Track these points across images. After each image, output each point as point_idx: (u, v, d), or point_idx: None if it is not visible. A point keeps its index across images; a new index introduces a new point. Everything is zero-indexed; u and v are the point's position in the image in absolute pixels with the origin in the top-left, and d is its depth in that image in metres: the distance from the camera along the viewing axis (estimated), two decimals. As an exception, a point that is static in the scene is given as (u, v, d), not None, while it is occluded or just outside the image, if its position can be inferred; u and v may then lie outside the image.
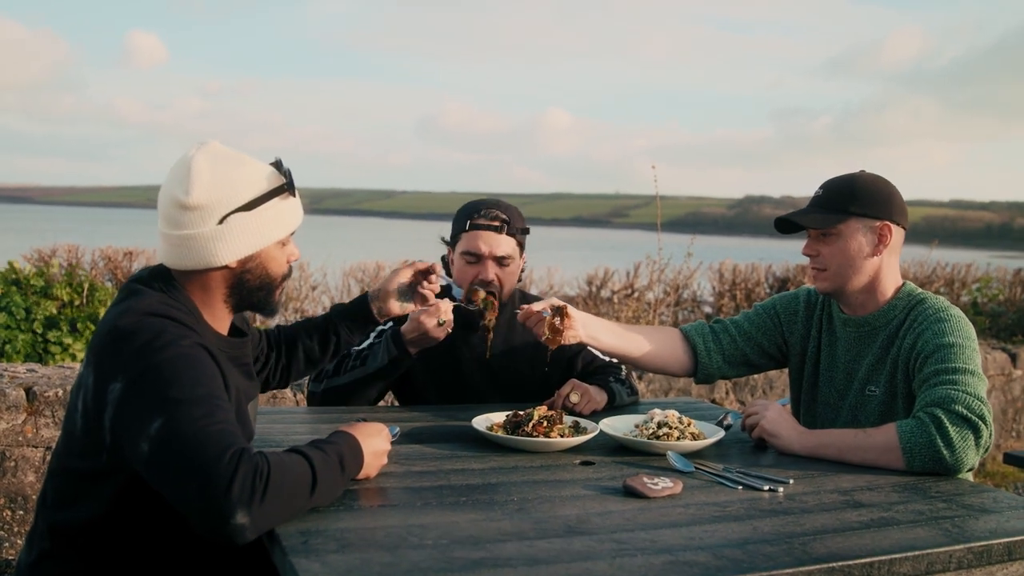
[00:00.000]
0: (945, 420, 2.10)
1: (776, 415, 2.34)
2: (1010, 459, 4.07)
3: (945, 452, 2.09)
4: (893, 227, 2.42)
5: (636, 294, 8.90)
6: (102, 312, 6.07)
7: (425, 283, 2.40)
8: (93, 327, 6.05)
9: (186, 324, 1.78)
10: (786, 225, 2.54)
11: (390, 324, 2.68)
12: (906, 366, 2.38)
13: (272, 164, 1.92)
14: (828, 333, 2.61)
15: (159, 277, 1.87)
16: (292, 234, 1.96)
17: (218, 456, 1.52)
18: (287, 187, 1.89)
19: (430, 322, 2.51)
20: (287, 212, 1.91)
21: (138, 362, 1.65)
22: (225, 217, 1.81)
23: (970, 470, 2.20)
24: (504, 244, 2.72)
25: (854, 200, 2.42)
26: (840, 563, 1.57)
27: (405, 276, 2.40)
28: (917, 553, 1.64)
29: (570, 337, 2.46)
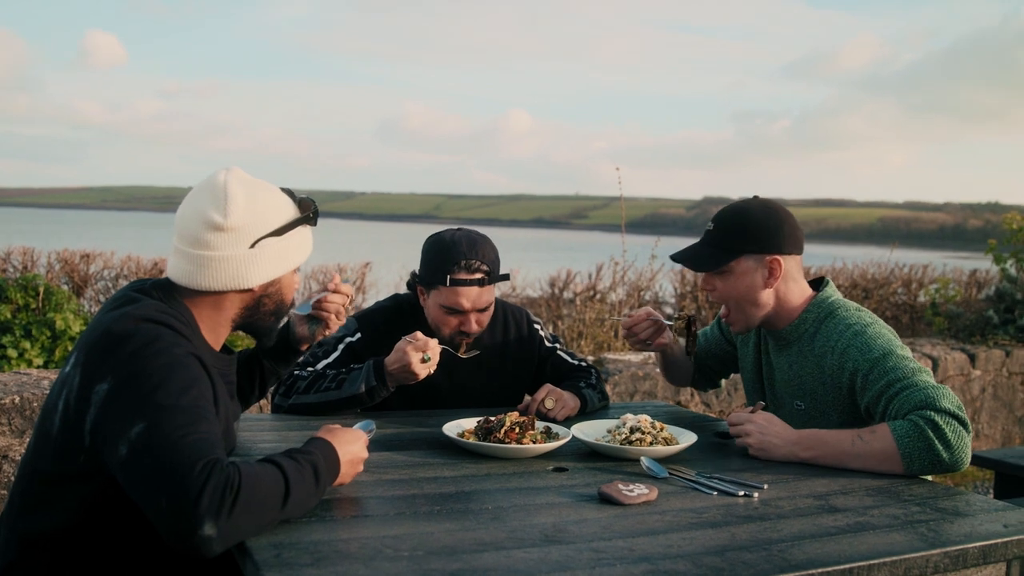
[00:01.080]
0: (939, 420, 2.12)
1: (762, 429, 2.29)
2: (974, 460, 4.11)
3: (944, 453, 2.11)
4: (783, 258, 2.44)
5: (599, 296, 8.92)
6: (58, 317, 5.94)
7: (322, 300, 2.25)
8: (49, 332, 5.91)
9: (182, 333, 1.77)
10: (677, 259, 2.56)
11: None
12: (837, 386, 2.37)
13: (287, 193, 1.97)
14: (765, 343, 2.64)
15: (160, 288, 1.88)
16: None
17: (190, 466, 1.51)
18: (312, 216, 1.97)
19: (414, 357, 2.41)
20: (307, 241, 1.99)
21: (129, 365, 1.64)
22: (257, 241, 1.86)
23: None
24: (486, 295, 2.66)
25: (743, 237, 2.44)
26: (819, 569, 1.56)
27: (312, 296, 2.32)
28: (895, 558, 1.64)
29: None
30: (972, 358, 6.50)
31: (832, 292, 2.51)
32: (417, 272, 2.75)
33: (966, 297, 9.10)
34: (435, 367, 2.46)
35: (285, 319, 2.02)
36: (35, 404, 3.67)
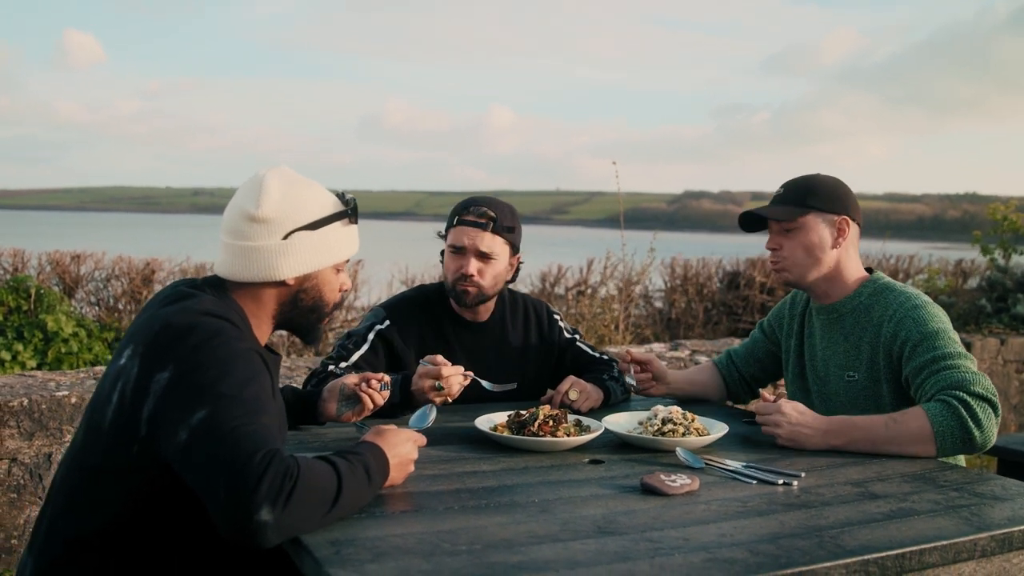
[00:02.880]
0: (971, 401, 2.18)
1: (791, 420, 2.27)
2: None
3: (976, 432, 2.16)
4: (850, 222, 2.53)
5: (590, 290, 8.93)
6: (49, 319, 5.90)
7: (364, 384, 2.28)
8: (41, 334, 5.87)
9: (240, 328, 1.79)
10: (748, 222, 2.64)
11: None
12: (889, 353, 2.44)
13: (336, 194, 1.98)
14: (808, 326, 2.71)
15: (211, 284, 1.90)
16: (347, 263, 2.00)
17: (251, 454, 1.52)
18: (350, 213, 1.96)
19: (427, 383, 2.39)
20: (347, 238, 1.97)
21: (192, 356, 1.66)
22: (290, 233, 1.87)
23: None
24: (487, 241, 2.73)
25: (814, 196, 2.52)
26: (872, 555, 1.57)
27: (351, 380, 2.32)
28: (945, 543, 1.65)
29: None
30: (968, 347, 6.56)
31: (884, 275, 2.58)
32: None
33: (955, 287, 9.16)
34: (454, 394, 2.41)
35: (326, 319, 2.01)
36: (43, 406, 3.63)
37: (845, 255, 2.54)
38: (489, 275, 2.75)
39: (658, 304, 10.08)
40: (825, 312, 2.61)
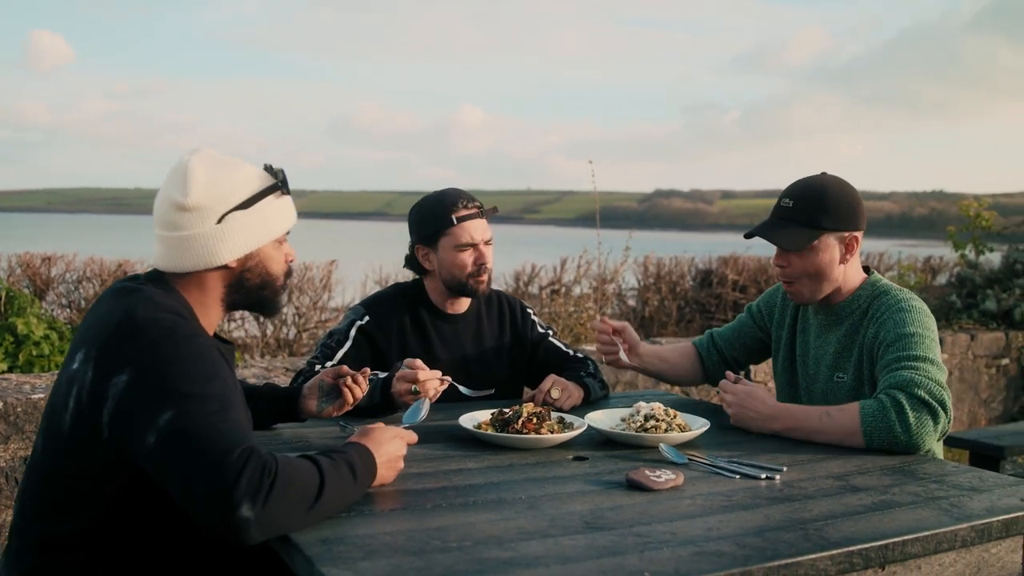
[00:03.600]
0: (905, 404, 2.19)
1: (741, 401, 2.40)
2: (947, 441, 4.26)
3: (902, 436, 2.18)
4: (859, 235, 2.52)
5: (564, 289, 8.95)
6: (19, 322, 5.82)
7: (350, 379, 2.27)
8: (12, 337, 5.79)
9: (191, 321, 1.77)
10: (755, 236, 2.59)
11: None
12: (870, 354, 2.47)
13: (265, 168, 1.92)
14: (802, 321, 2.72)
15: (153, 279, 1.85)
16: (288, 233, 1.95)
17: (227, 451, 1.52)
18: (280, 185, 1.90)
19: (403, 387, 2.36)
20: (282, 210, 1.92)
21: (149, 354, 1.63)
22: (223, 216, 1.82)
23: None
24: (487, 228, 2.86)
25: (826, 215, 2.47)
26: (857, 547, 1.59)
27: (327, 376, 2.31)
28: (926, 534, 1.68)
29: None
30: (941, 342, 6.64)
31: (881, 277, 2.60)
32: (413, 243, 2.88)
33: (925, 283, 9.28)
34: (431, 398, 2.37)
35: (284, 292, 1.96)
36: (19, 409, 3.59)
37: (850, 266, 2.54)
38: (492, 261, 2.87)
39: (631, 303, 10.12)
40: (824, 313, 2.61)
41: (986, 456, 4.51)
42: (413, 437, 1.95)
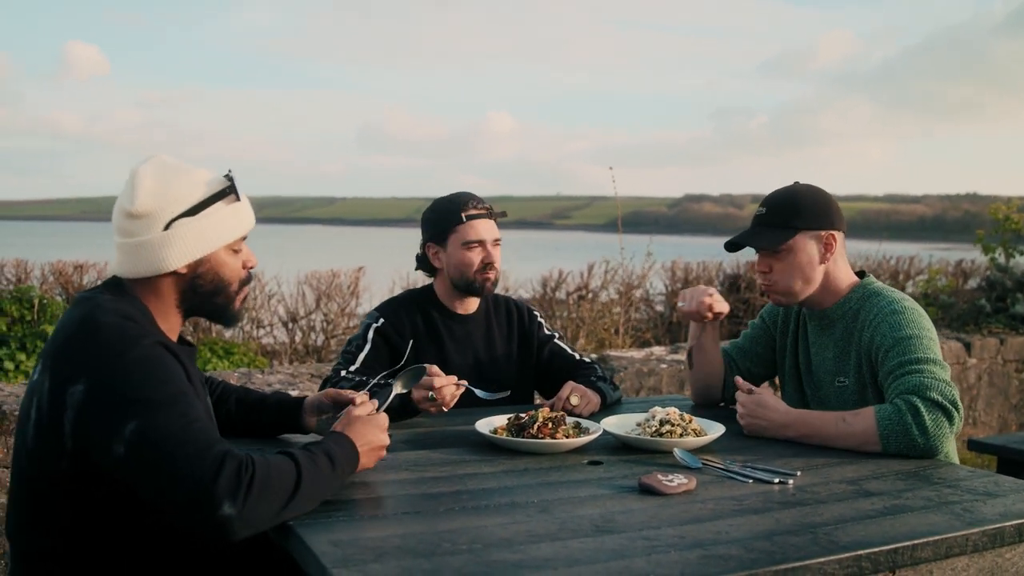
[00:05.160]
0: (921, 407, 2.20)
1: (752, 412, 2.41)
2: (974, 445, 4.22)
3: (920, 439, 2.19)
4: (836, 234, 2.55)
5: (591, 295, 8.96)
6: (51, 328, 5.93)
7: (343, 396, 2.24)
8: (43, 343, 5.90)
9: (139, 323, 1.78)
10: (734, 244, 2.63)
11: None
12: (869, 358, 2.49)
13: (224, 176, 1.92)
14: (803, 328, 2.74)
15: (110, 287, 1.88)
16: (244, 239, 1.95)
17: (202, 452, 1.55)
18: (230, 191, 1.89)
19: (420, 394, 2.43)
20: (234, 217, 1.90)
21: (101, 363, 1.65)
22: (170, 223, 1.83)
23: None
24: (495, 229, 2.95)
25: (798, 216, 2.53)
26: (866, 551, 1.60)
27: (327, 399, 2.29)
28: (937, 538, 1.68)
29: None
30: (967, 347, 6.58)
31: (875, 280, 2.61)
32: (424, 241, 2.97)
33: (955, 287, 9.19)
34: (448, 403, 2.45)
35: (241, 298, 1.95)
36: (13, 416, 3.67)
37: (834, 266, 2.57)
38: (499, 262, 2.93)
39: (659, 307, 10.11)
40: (816, 318, 2.65)
41: (1014, 462, 4.45)
42: (386, 420, 1.96)
